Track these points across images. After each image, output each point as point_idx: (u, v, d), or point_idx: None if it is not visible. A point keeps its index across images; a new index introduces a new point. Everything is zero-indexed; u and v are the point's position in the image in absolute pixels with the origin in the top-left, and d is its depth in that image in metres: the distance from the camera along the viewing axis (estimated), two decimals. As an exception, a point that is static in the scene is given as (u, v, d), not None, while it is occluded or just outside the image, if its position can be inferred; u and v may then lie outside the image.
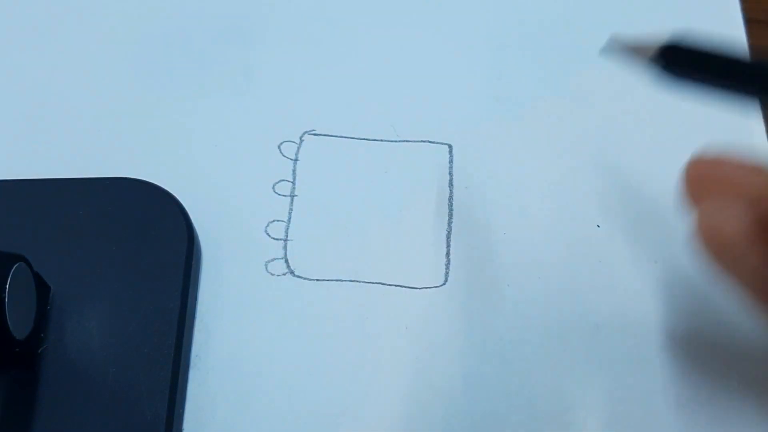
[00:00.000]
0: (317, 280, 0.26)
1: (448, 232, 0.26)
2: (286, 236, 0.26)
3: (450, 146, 0.28)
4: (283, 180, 0.28)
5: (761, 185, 0.18)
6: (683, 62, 0.20)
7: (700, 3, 0.29)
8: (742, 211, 0.17)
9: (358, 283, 0.25)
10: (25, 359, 0.23)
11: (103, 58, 0.31)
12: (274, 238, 0.26)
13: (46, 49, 0.31)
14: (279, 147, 0.28)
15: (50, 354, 0.23)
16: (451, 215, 0.27)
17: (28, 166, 0.28)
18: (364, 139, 0.28)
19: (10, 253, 0.22)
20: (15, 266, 0.22)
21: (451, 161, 0.28)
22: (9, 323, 0.21)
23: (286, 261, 0.26)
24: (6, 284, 0.21)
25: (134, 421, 0.22)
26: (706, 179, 0.19)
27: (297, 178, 0.28)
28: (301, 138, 0.28)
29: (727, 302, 0.24)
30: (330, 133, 0.28)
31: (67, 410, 0.23)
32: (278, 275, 0.26)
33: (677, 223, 0.24)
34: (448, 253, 0.26)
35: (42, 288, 0.24)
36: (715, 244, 0.18)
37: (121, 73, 0.30)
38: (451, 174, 0.27)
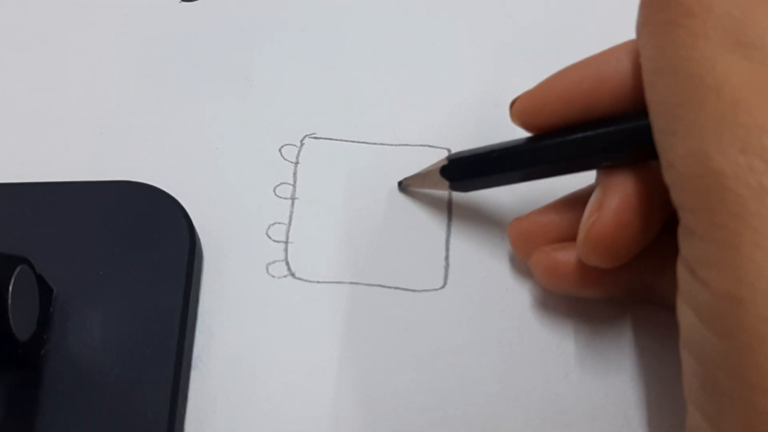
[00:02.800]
0: (318, 282, 0.26)
1: (447, 235, 0.26)
2: (287, 239, 0.27)
3: (449, 150, 0.28)
4: (284, 183, 0.28)
5: (559, 224, 0.24)
6: (464, 170, 0.24)
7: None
8: (565, 250, 0.23)
9: (358, 285, 0.26)
10: (28, 360, 0.23)
11: (105, 62, 0.31)
12: (275, 241, 0.27)
13: (49, 52, 0.31)
14: (280, 150, 0.28)
15: (53, 355, 0.23)
16: (450, 218, 0.27)
17: (31, 169, 0.28)
18: (364, 142, 0.28)
19: (13, 255, 0.22)
20: (18, 268, 0.22)
21: (450, 165, 0.28)
22: (12, 325, 0.21)
23: (287, 263, 0.26)
24: (9, 286, 0.21)
25: (136, 422, 0.22)
26: (524, 235, 0.24)
27: (298, 181, 0.28)
28: (301, 141, 0.29)
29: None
30: (330, 137, 0.29)
31: (70, 411, 0.23)
32: (279, 277, 0.26)
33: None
34: (447, 256, 0.26)
35: (45, 290, 0.24)
36: (559, 276, 0.23)
37: (122, 77, 0.30)
38: (448, 177, 0.28)
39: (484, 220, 0.27)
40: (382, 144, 0.28)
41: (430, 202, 0.27)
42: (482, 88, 0.29)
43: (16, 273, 0.22)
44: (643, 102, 0.20)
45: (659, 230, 0.22)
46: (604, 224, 0.21)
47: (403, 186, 0.27)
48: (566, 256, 0.23)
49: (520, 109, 0.23)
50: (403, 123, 0.29)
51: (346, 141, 0.28)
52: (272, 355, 0.24)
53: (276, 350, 0.25)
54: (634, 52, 0.21)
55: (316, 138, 0.29)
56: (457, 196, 0.27)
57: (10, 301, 0.21)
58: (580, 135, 0.22)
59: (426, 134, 0.28)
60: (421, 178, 0.26)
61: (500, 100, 0.29)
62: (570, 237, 0.23)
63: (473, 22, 0.31)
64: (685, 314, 0.18)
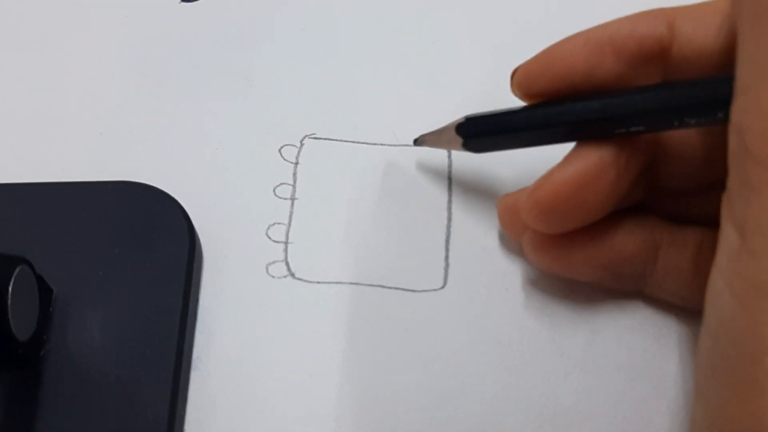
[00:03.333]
0: (318, 282, 0.26)
1: (447, 235, 0.26)
2: (287, 239, 0.27)
3: (449, 151, 0.28)
4: (284, 183, 0.28)
5: None
6: (478, 129, 0.24)
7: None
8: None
9: (358, 286, 0.26)
10: (28, 361, 0.23)
11: (105, 62, 0.31)
12: (274, 241, 0.27)
13: (49, 53, 0.31)
14: (280, 150, 0.28)
15: (53, 356, 0.23)
16: (450, 219, 0.27)
17: (31, 169, 0.28)
18: (364, 143, 0.28)
19: (12, 256, 0.22)
20: (18, 269, 0.22)
21: (450, 165, 0.28)
22: (12, 325, 0.21)
23: (287, 263, 0.26)
24: (9, 286, 0.21)
25: (136, 423, 0.22)
26: (511, 209, 0.24)
27: (298, 181, 0.28)
28: (301, 141, 0.29)
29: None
30: (330, 137, 0.29)
31: (69, 411, 0.23)
32: (279, 277, 0.26)
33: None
34: (447, 257, 0.26)
35: (44, 290, 0.24)
36: (548, 251, 0.23)
37: (122, 78, 0.30)
38: (450, 178, 0.28)
39: (483, 220, 0.27)
40: (382, 144, 0.28)
41: (430, 203, 0.27)
42: (482, 88, 0.29)
43: (16, 273, 0.22)
44: (640, 76, 0.20)
45: (610, 210, 0.22)
46: (546, 190, 0.22)
47: (419, 142, 0.27)
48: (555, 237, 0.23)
49: (523, 75, 0.23)
50: (403, 123, 0.29)
51: (345, 141, 0.28)
52: (272, 356, 0.24)
53: (276, 351, 0.25)
54: (637, 21, 0.21)
55: (316, 138, 0.29)
56: (457, 197, 0.27)
57: (9, 302, 0.21)
58: (594, 101, 0.22)
59: (426, 135, 0.28)
60: (437, 135, 0.26)
61: (500, 100, 0.29)
62: None
63: (473, 22, 0.31)
64: (719, 292, 0.16)
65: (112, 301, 0.24)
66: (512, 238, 0.25)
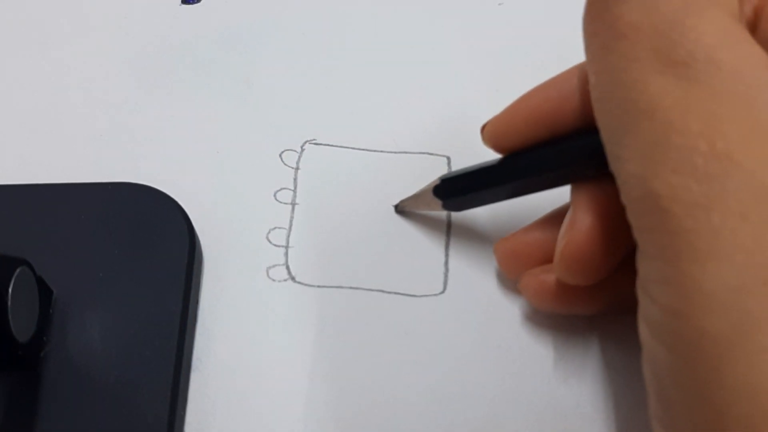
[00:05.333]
0: (318, 286, 0.26)
1: (447, 240, 0.27)
2: (287, 243, 0.27)
3: (448, 158, 0.28)
4: (285, 188, 0.28)
5: (543, 242, 0.24)
6: (454, 188, 0.25)
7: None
8: (552, 272, 0.23)
9: (358, 290, 0.26)
10: (28, 362, 0.23)
11: (106, 64, 0.31)
12: (275, 245, 0.27)
13: (50, 55, 0.31)
14: (280, 155, 0.29)
15: (53, 357, 0.23)
16: (449, 225, 0.27)
17: (31, 171, 0.28)
18: (364, 149, 0.29)
19: (13, 257, 0.22)
20: (18, 270, 0.22)
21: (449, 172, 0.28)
22: (12, 326, 0.21)
23: (287, 267, 0.26)
24: (9, 288, 0.21)
25: (136, 424, 0.22)
26: (510, 254, 0.25)
27: (298, 186, 0.28)
28: (302, 147, 0.29)
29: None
30: (331, 143, 0.29)
31: (69, 413, 0.23)
32: (279, 281, 0.26)
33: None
34: (446, 262, 0.26)
35: (44, 292, 0.24)
36: (549, 298, 0.24)
37: (123, 80, 0.30)
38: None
39: (483, 225, 0.27)
40: (382, 151, 0.29)
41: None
42: (482, 95, 0.29)
43: (16, 274, 0.22)
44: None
45: (632, 245, 0.22)
46: (576, 242, 0.21)
47: (400, 208, 0.27)
48: (554, 278, 0.23)
49: (490, 132, 0.24)
50: (403, 130, 0.29)
51: (346, 147, 0.29)
52: (272, 359, 0.25)
53: (276, 353, 0.25)
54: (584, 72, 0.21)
55: (316, 144, 0.29)
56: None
57: (9, 303, 0.21)
58: (551, 149, 0.22)
59: (425, 142, 0.29)
60: (415, 199, 0.26)
61: (500, 107, 0.29)
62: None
63: (473, 29, 0.31)
64: (642, 331, 0.18)
65: (113, 303, 0.24)
66: (511, 279, 0.25)
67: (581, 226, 0.21)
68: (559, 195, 0.24)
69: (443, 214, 0.27)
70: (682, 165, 0.16)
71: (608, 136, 0.18)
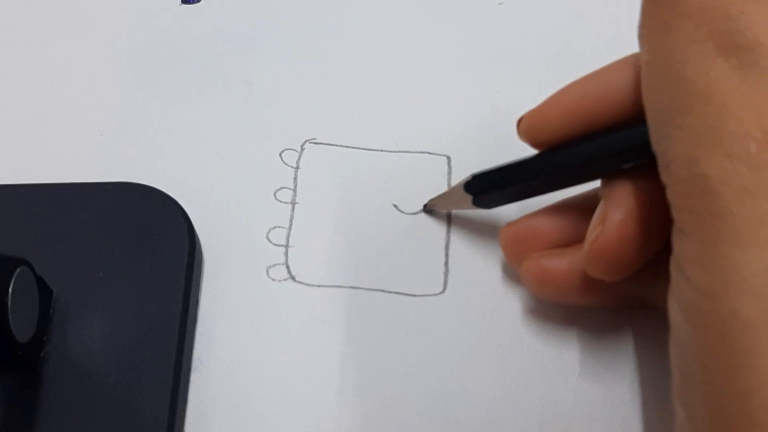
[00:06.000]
0: (318, 285, 0.26)
1: (447, 240, 0.27)
2: (287, 242, 0.27)
3: (448, 157, 0.28)
4: (285, 187, 0.28)
5: (549, 229, 0.24)
6: (486, 184, 0.24)
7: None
8: (555, 258, 0.23)
9: (358, 290, 0.26)
10: (28, 362, 0.23)
11: (106, 64, 0.31)
12: (275, 244, 0.27)
13: (49, 54, 0.31)
14: (280, 155, 0.29)
15: (52, 357, 0.23)
16: (449, 224, 0.27)
17: (31, 170, 0.28)
18: (364, 149, 0.29)
19: (12, 257, 0.22)
20: (18, 270, 0.22)
21: (449, 172, 0.28)
22: (12, 326, 0.21)
23: (287, 267, 0.26)
24: (9, 288, 0.21)
25: (136, 424, 0.22)
26: (514, 239, 0.24)
27: (298, 185, 0.28)
28: (302, 146, 0.29)
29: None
30: (331, 143, 0.29)
31: (69, 413, 0.23)
32: (279, 280, 0.26)
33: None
34: (446, 262, 0.26)
35: (44, 292, 0.24)
36: (549, 284, 0.23)
37: (123, 80, 0.30)
38: (449, 184, 0.28)
39: (483, 225, 0.27)
40: (381, 150, 0.29)
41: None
42: (482, 95, 0.29)
43: (16, 274, 0.22)
44: (639, 112, 0.20)
45: (663, 242, 0.22)
46: (607, 238, 0.21)
47: (428, 208, 0.27)
48: (556, 264, 0.23)
49: (526, 127, 0.23)
50: (403, 130, 0.29)
51: (346, 147, 0.29)
52: (272, 358, 0.25)
53: (276, 353, 0.25)
54: (635, 65, 0.21)
55: (316, 143, 0.29)
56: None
57: (9, 303, 0.21)
58: (591, 143, 0.22)
59: (425, 141, 0.29)
60: (445, 197, 0.26)
61: (500, 107, 0.29)
62: (560, 243, 0.24)
63: (473, 29, 0.31)
64: (672, 310, 0.18)
65: (113, 303, 0.24)
66: (514, 265, 0.25)
67: (613, 219, 0.21)
68: (573, 189, 0.24)
69: (443, 213, 0.27)
70: (735, 150, 0.16)
71: (657, 115, 0.18)
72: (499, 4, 0.32)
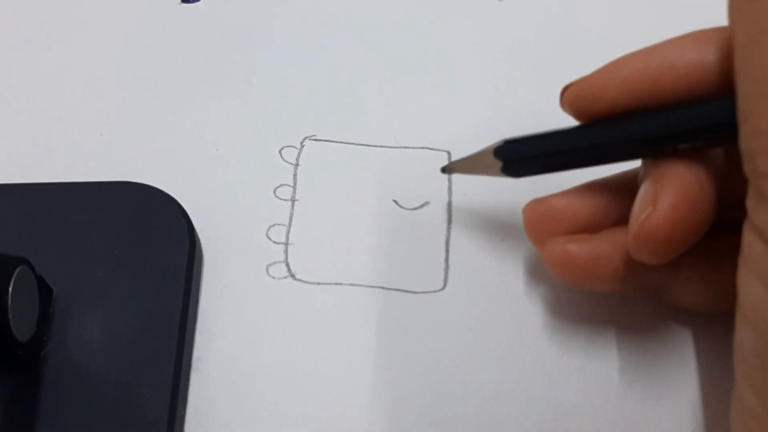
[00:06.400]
0: (318, 283, 0.26)
1: (447, 237, 0.27)
2: (287, 240, 0.27)
3: (449, 153, 0.28)
4: (284, 184, 0.28)
5: (576, 210, 0.23)
6: (521, 155, 0.23)
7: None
8: (580, 242, 0.23)
9: (357, 287, 0.26)
10: (28, 361, 0.23)
11: (105, 63, 0.31)
12: (275, 242, 0.27)
13: (49, 54, 0.31)
14: (280, 152, 0.28)
15: (53, 356, 0.23)
16: (449, 221, 0.27)
17: (31, 170, 0.28)
18: (364, 145, 0.28)
19: (13, 256, 0.22)
20: (18, 269, 0.22)
21: (450, 167, 0.28)
22: (12, 325, 0.21)
23: (287, 264, 0.26)
24: (9, 287, 0.21)
25: (136, 423, 0.22)
26: (539, 218, 0.24)
27: (298, 182, 0.28)
28: (302, 143, 0.29)
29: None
30: (331, 139, 0.29)
31: (69, 412, 0.23)
32: (279, 278, 0.26)
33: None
34: (447, 258, 0.26)
35: (45, 291, 0.24)
36: (569, 268, 0.23)
37: (123, 78, 0.30)
38: (450, 180, 0.28)
39: (483, 221, 0.27)
40: (382, 146, 0.28)
41: (430, 205, 0.27)
42: (482, 91, 0.29)
43: (16, 273, 0.22)
44: (709, 90, 0.19)
45: (709, 228, 0.21)
46: (659, 218, 0.20)
47: (448, 169, 0.26)
48: (580, 249, 0.22)
49: (574, 95, 0.22)
50: (403, 126, 0.29)
51: (346, 143, 0.29)
52: (272, 357, 0.24)
53: (276, 351, 0.25)
54: (699, 42, 0.21)
55: (316, 140, 0.29)
56: (458, 198, 0.27)
57: (10, 302, 0.21)
58: (651, 118, 0.21)
59: (426, 137, 0.28)
60: (471, 161, 0.25)
61: (500, 103, 0.29)
62: (588, 225, 0.23)
63: (474, 26, 0.31)
64: (750, 285, 0.17)
65: (113, 302, 0.24)
66: (537, 245, 0.24)
67: (665, 200, 0.20)
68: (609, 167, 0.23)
69: (445, 200, 0.27)
70: None
71: (758, 75, 0.18)
72: (500, 0, 0.32)
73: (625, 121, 0.21)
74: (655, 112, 0.21)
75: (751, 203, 0.18)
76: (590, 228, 0.23)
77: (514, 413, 0.23)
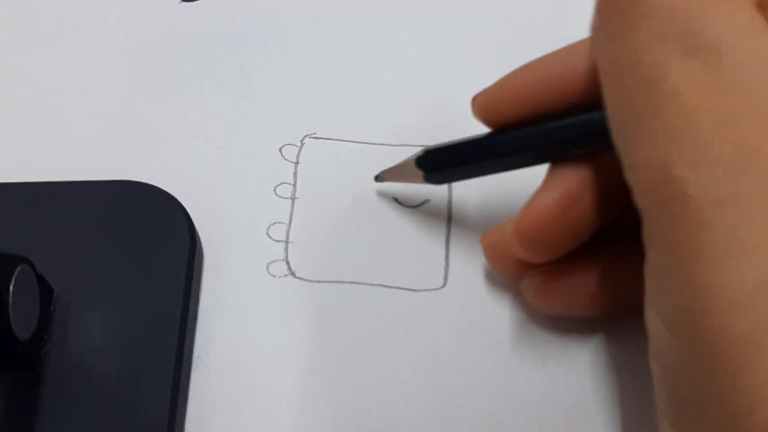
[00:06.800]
0: (318, 281, 0.26)
1: (447, 234, 0.27)
2: (287, 238, 0.27)
3: (449, 150, 0.28)
4: (284, 183, 0.28)
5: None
6: (438, 161, 0.24)
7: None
8: (555, 273, 0.23)
9: (358, 285, 0.26)
10: (28, 360, 0.23)
11: (105, 61, 0.31)
12: (275, 240, 0.27)
13: (49, 52, 0.31)
14: (280, 150, 0.28)
15: (53, 355, 0.23)
16: (450, 218, 0.27)
17: (31, 169, 0.28)
18: (364, 142, 0.28)
19: (13, 255, 0.22)
20: (18, 268, 0.22)
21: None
22: (12, 324, 0.21)
23: (287, 263, 0.26)
24: (9, 285, 0.21)
25: (136, 422, 0.22)
26: (495, 247, 0.24)
27: (298, 180, 0.28)
28: (302, 141, 0.29)
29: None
30: (331, 137, 0.29)
31: (70, 411, 0.23)
32: (279, 276, 0.26)
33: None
34: (447, 256, 0.26)
35: (45, 289, 0.24)
36: (547, 297, 0.23)
37: (123, 77, 0.30)
38: (450, 179, 0.28)
39: (483, 219, 0.27)
40: (381, 144, 0.28)
41: (430, 203, 0.27)
42: (481, 87, 0.29)
43: (16, 273, 0.22)
44: (594, 98, 0.20)
45: (595, 229, 0.22)
46: (531, 218, 0.21)
47: (380, 178, 0.27)
48: (556, 280, 0.23)
49: (480, 105, 0.23)
50: (403, 123, 0.29)
51: (346, 141, 0.29)
52: (272, 355, 0.24)
53: (276, 350, 0.25)
54: (584, 51, 0.21)
55: (316, 138, 0.29)
56: (458, 195, 0.27)
57: (10, 301, 0.21)
58: (544, 126, 0.22)
59: (425, 134, 0.28)
60: (396, 170, 0.26)
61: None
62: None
63: (473, 23, 0.31)
64: (652, 321, 0.17)
65: (113, 301, 0.24)
66: (501, 274, 0.25)
67: (541, 203, 0.21)
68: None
69: (445, 198, 0.27)
70: (710, 153, 0.15)
71: (622, 114, 0.18)
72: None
73: (520, 130, 0.22)
74: (546, 121, 0.22)
75: (644, 239, 0.17)
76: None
77: (514, 411, 0.23)
